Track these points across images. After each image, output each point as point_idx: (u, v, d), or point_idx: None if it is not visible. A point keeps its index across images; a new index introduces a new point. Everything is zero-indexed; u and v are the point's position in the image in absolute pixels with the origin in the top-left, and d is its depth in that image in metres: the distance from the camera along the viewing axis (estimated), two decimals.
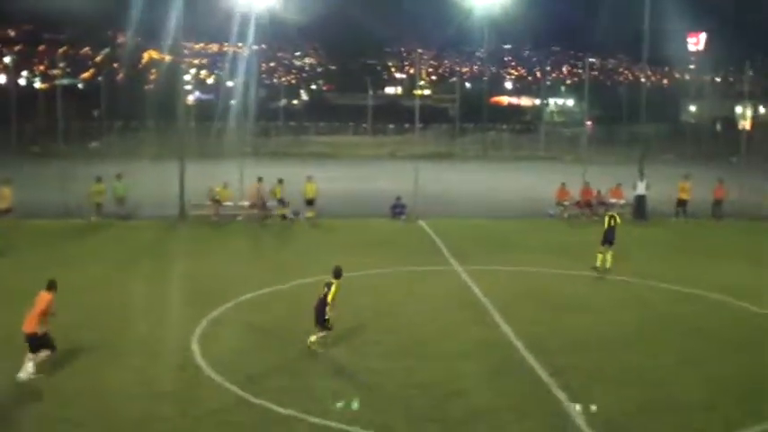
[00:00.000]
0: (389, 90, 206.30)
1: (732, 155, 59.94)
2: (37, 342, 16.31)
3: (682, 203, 39.89)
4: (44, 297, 16.70)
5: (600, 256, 26.84)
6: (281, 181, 37.22)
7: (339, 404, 15.38)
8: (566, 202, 39.89)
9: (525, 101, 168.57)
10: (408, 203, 38.14)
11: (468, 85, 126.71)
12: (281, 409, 14.99)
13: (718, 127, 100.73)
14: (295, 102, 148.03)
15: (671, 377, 17.18)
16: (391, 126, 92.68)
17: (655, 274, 26.51)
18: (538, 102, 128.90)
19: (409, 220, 37.22)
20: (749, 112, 68.90)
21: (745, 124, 62.32)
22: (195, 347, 18.43)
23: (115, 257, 28.00)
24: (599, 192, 40.19)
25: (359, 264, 27.45)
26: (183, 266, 27.18)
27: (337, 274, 18.51)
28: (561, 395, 15.92)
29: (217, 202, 36.89)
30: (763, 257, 30.36)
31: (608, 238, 26.77)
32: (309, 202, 37.64)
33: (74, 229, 33.52)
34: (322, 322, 18.22)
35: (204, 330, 19.81)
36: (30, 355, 16.27)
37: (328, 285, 18.30)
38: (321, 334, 18.33)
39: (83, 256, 27.98)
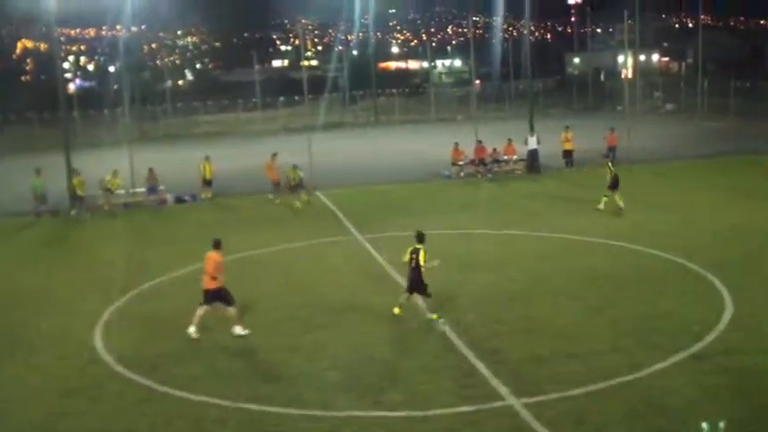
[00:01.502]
0: (277, 63, 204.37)
1: (617, 104, 61.63)
2: (216, 296, 17.52)
3: (567, 154, 40.88)
4: (212, 257, 17.70)
5: (604, 199, 28.94)
6: (295, 167, 36.30)
7: (249, 385, 15.24)
8: (460, 162, 40.36)
9: (413, 64, 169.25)
10: (304, 176, 37.93)
11: (354, 52, 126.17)
12: (191, 396, 14.79)
13: (602, 77, 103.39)
14: (181, 82, 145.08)
15: (575, 325, 17.63)
16: (281, 99, 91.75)
17: (552, 226, 27.10)
18: (425, 64, 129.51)
19: (307, 191, 37.04)
20: (630, 61, 70.78)
21: (627, 73, 64.09)
22: (99, 341, 18.00)
23: (9, 254, 27.09)
24: (494, 149, 40.76)
25: (263, 240, 27.38)
26: (79, 259, 26.54)
27: (420, 238, 18.25)
28: (468, 352, 16.17)
29: (108, 191, 35.96)
30: (657, 201, 31.34)
31: (616, 184, 28.80)
32: (207, 183, 37.13)
33: None
34: (422, 290, 18.05)
35: (107, 322, 19.36)
36: (230, 309, 17.66)
37: (415, 252, 17.94)
38: (425, 301, 18.42)
39: None
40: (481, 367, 15.36)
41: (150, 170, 36.57)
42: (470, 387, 14.57)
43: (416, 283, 18.01)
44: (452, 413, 13.56)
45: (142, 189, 36.72)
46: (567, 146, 40.86)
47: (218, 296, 17.68)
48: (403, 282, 20.07)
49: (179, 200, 36.86)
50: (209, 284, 17.65)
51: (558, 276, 21.46)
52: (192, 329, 17.73)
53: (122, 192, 36.63)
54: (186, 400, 14.71)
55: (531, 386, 14.41)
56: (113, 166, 37.01)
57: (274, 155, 36.89)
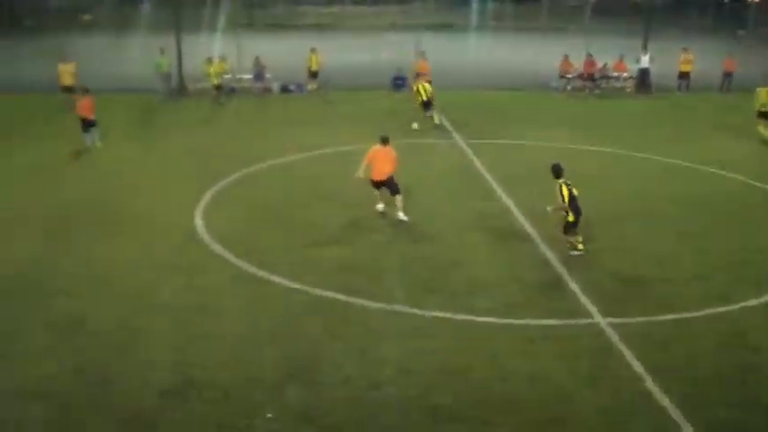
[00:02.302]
0: None
1: (740, 28, 58.90)
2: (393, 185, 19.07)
3: (683, 76, 39.48)
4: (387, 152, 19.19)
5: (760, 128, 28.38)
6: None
7: (341, 276, 15.58)
8: (569, 75, 39.48)
9: None
10: (409, 75, 37.73)
11: None
12: (283, 281, 15.23)
13: None
14: None
15: (669, 250, 17.36)
16: None
17: (656, 149, 26.47)
18: None
19: (410, 92, 36.85)
20: None
21: None
22: (199, 221, 18.58)
23: (114, 131, 27.80)
24: (604, 64, 39.69)
25: (361, 136, 27.37)
26: (183, 140, 27.10)
27: (557, 172, 16.67)
28: (561, 267, 16.15)
29: (215, 75, 36.38)
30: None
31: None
32: (313, 75, 37.31)
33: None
34: (563, 230, 16.78)
35: (208, 204, 19.92)
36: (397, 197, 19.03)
37: (560, 188, 16.37)
38: (570, 240, 16.82)
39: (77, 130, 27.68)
40: (571, 283, 15.36)
41: (257, 58, 36.84)
42: (559, 301, 14.63)
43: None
44: (538, 325, 13.66)
45: (249, 76, 37.10)
46: (686, 67, 39.43)
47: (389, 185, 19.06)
48: (499, 187, 20.12)
49: (284, 89, 37.18)
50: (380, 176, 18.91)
51: (656, 200, 21.07)
52: (400, 214, 18.89)
53: (229, 77, 37.05)
54: (278, 284, 15.16)
55: (619, 307, 14.36)
56: (221, 51, 37.36)
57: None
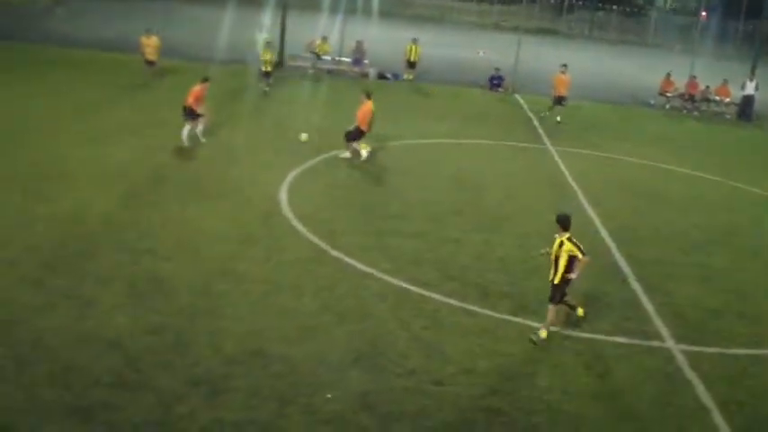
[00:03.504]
0: None
1: None
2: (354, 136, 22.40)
3: None
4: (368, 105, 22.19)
5: None
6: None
7: (416, 268, 15.67)
8: (669, 93, 38.76)
9: None
10: (507, 76, 37.53)
11: None
12: (358, 265, 15.40)
13: None
14: None
15: (753, 285, 16.99)
16: None
17: (750, 179, 25.85)
18: None
19: (506, 93, 36.72)
20: None
21: None
22: (283, 197, 18.90)
23: (211, 102, 28.28)
24: (707, 87, 38.87)
25: (451, 132, 27.49)
26: (278, 116, 27.49)
27: (564, 224, 13.28)
28: (637, 285, 15.96)
29: (315, 55, 36.88)
30: None
31: None
32: (411, 65, 37.42)
33: (172, 68, 33.84)
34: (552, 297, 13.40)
35: (294, 181, 20.24)
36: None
37: (561, 245, 13.16)
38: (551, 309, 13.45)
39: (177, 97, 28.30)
40: (646, 303, 15.17)
41: (358, 42, 37.16)
42: (631, 320, 14.47)
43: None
44: (607, 341, 13.55)
45: (347, 59, 37.42)
46: None
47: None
48: (584, 199, 20.00)
49: (381, 76, 37.40)
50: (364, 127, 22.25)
51: (745, 231, 20.62)
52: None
53: (329, 58, 37.44)
54: (353, 267, 15.35)
55: (694, 334, 14.13)
56: (323, 32, 37.77)
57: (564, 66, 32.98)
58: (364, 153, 22.48)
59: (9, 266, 13.90)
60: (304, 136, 23.37)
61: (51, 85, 28.64)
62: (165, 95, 27.26)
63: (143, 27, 32.39)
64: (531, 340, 13.17)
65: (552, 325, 13.40)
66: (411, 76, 37.34)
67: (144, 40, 31.31)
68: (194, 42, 39.32)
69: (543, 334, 13.22)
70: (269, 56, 31.91)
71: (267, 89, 31.18)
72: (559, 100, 31.04)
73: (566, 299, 13.62)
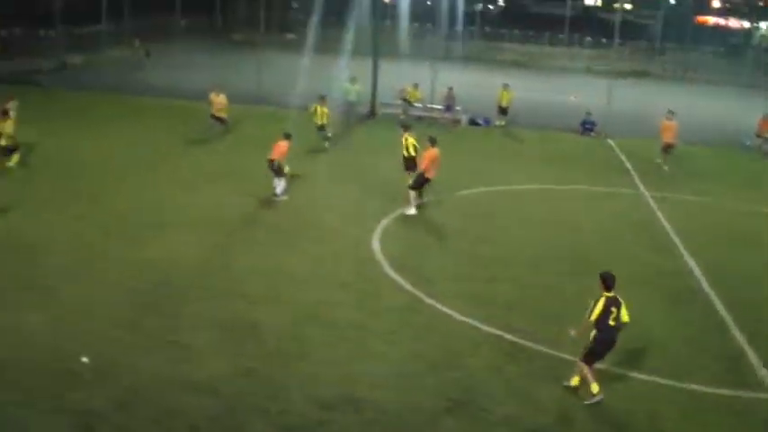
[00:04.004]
0: (588, 1, 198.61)
1: None
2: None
3: None
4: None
5: None
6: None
7: (509, 314, 15.49)
8: (766, 135, 37.65)
9: (733, 22, 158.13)
10: (599, 120, 37.12)
11: (672, 1, 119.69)
12: (453, 314, 15.31)
13: None
14: (491, 7, 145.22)
15: None
16: (588, 39, 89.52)
17: None
18: (747, 24, 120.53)
19: (598, 137, 36.29)
20: None
21: None
22: (376, 243, 18.99)
23: (305, 147, 28.70)
24: None
25: (543, 177, 27.25)
26: (369, 162, 27.71)
27: (607, 283, 12.78)
28: (738, 333, 15.42)
29: (406, 102, 37.18)
30: None
31: None
32: (503, 111, 37.33)
33: (263, 115, 34.55)
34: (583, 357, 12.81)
35: (387, 227, 20.34)
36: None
37: (613, 304, 12.63)
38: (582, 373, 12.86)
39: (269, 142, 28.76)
40: (750, 353, 14.64)
41: (450, 89, 37.28)
42: (734, 371, 13.97)
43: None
44: (708, 392, 13.11)
45: (439, 106, 37.60)
46: None
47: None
48: (680, 244, 19.51)
49: (472, 122, 37.43)
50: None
51: None
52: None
53: (420, 105, 37.69)
54: (447, 314, 15.28)
55: None
56: (414, 79, 38.07)
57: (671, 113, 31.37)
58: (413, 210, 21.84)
59: (108, 310, 14.30)
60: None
61: (147, 133, 29.58)
62: (254, 142, 27.68)
63: (234, 76, 33.18)
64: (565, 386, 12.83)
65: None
66: (503, 122, 37.25)
67: (213, 97, 30.40)
68: (284, 90, 40.05)
69: (594, 389, 12.45)
70: (322, 110, 29.37)
71: (327, 144, 29.67)
72: (667, 147, 30.25)
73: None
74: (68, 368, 12.25)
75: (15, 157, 23.70)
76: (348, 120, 34.81)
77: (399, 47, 66.26)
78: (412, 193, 21.74)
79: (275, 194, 22.14)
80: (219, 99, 30.38)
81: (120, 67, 46.09)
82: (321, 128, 29.58)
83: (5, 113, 23.75)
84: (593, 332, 12.48)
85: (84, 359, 12.44)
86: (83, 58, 50.84)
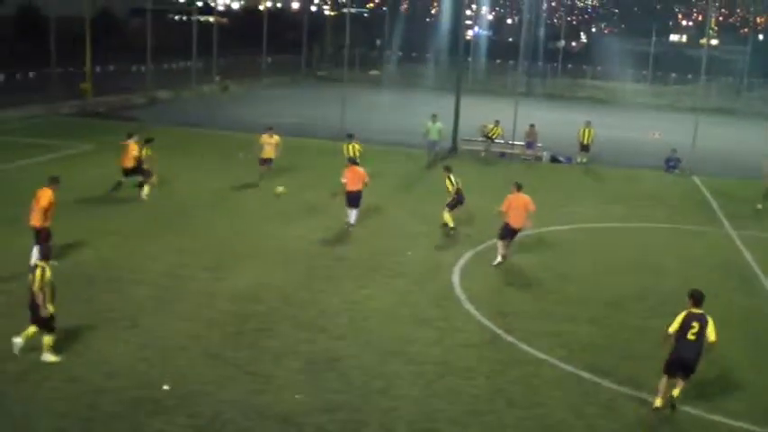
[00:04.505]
0: (674, 37, 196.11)
1: None
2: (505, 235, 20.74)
3: None
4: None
5: None
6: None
7: (590, 354, 15.33)
8: None
9: None
10: (684, 158, 36.56)
11: (761, 37, 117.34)
12: (530, 350, 15.24)
13: None
14: (574, 44, 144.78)
15: None
16: (673, 75, 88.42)
17: None
18: None
19: (683, 174, 35.73)
20: None
21: None
22: (456, 279, 19.04)
23: (385, 183, 28.97)
24: None
25: (626, 215, 26.97)
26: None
27: (696, 300, 13.31)
28: None
29: (488, 138, 37.26)
30: None
31: None
32: (584, 148, 37.06)
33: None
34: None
35: (467, 263, 20.37)
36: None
37: (699, 320, 13.09)
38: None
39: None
40: None
41: (531, 126, 37.25)
42: None
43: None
44: None
45: (520, 143, 37.57)
46: None
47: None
48: None
49: (554, 159, 37.28)
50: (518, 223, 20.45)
51: None
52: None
53: (501, 141, 37.73)
54: (526, 353, 15.22)
55: None
56: (496, 116, 38.16)
57: None
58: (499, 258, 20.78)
59: (193, 340, 14.65)
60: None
61: (232, 166, 30.19)
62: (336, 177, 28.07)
63: (318, 112, 33.62)
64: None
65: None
66: (585, 159, 36.97)
67: (266, 138, 28.37)
68: (367, 125, 40.60)
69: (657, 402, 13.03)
70: (354, 147, 28.25)
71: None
72: None
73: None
74: (150, 396, 12.59)
75: (147, 189, 24.66)
76: (429, 158, 34.64)
77: (480, 83, 66.55)
78: (499, 243, 20.74)
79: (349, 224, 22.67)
80: (273, 140, 28.27)
81: (204, 101, 47.27)
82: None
83: (130, 136, 25.09)
84: (672, 344, 12.97)
85: (166, 387, 12.79)
86: (171, 93, 52.46)
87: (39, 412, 11.94)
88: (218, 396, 12.70)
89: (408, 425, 12.21)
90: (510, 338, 15.76)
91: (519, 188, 20.87)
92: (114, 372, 13.35)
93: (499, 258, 20.48)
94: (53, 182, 18.06)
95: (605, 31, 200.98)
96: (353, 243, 21.67)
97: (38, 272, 13.37)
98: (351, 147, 28.31)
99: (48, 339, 13.52)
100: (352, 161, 24.24)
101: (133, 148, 24.85)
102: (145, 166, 24.87)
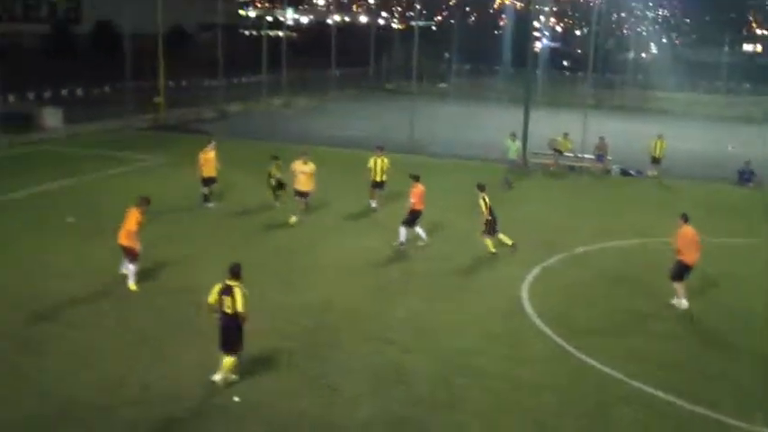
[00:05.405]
0: (747, 47, 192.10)
1: None
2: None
3: None
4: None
5: None
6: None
7: (663, 372, 15.06)
8: None
9: None
10: (759, 170, 35.73)
11: None
12: (602, 367, 15.03)
13: None
14: (644, 55, 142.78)
15: None
16: (747, 86, 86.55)
17: None
18: None
19: (757, 187, 34.92)
20: None
21: None
22: (524, 294, 18.90)
23: (453, 197, 28.90)
24: None
25: (699, 229, 26.34)
26: (519, 213, 27.63)
27: None
28: None
29: (557, 151, 36.96)
30: None
31: None
32: (656, 161, 36.45)
33: (413, 164, 34.95)
34: None
35: (535, 278, 20.20)
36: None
37: None
38: None
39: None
40: None
41: (601, 139, 36.82)
42: None
43: None
44: None
45: (590, 156, 37.15)
46: None
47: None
48: None
49: (624, 172, 36.76)
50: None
51: None
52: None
53: (570, 155, 37.37)
54: (596, 368, 15.01)
55: None
56: (565, 128, 37.83)
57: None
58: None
59: (264, 352, 14.75)
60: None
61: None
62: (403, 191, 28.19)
63: (381, 124, 33.53)
64: None
65: None
66: (656, 172, 36.35)
67: (299, 165, 24.68)
68: (435, 139, 40.65)
69: None
70: (382, 161, 26.41)
71: (374, 206, 26.66)
72: None
73: None
74: (220, 404, 12.78)
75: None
76: (507, 179, 32.39)
77: (548, 95, 66.08)
78: (677, 285, 18.68)
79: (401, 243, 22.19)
80: (307, 168, 24.65)
81: (273, 115, 47.79)
82: (378, 185, 26.45)
83: (276, 158, 25.81)
84: None
85: (236, 398, 12.94)
86: (241, 106, 53.24)
87: (119, 423, 12.15)
88: (286, 406, 12.83)
89: None
90: (580, 354, 15.56)
91: (686, 220, 18.97)
92: (186, 381, 13.56)
93: (684, 302, 18.47)
94: (142, 202, 18.09)
95: (676, 42, 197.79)
96: (421, 257, 21.63)
97: (237, 292, 13.20)
98: (379, 161, 26.30)
99: (230, 362, 13.44)
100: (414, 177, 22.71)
101: (210, 157, 25.50)
102: (281, 181, 25.53)
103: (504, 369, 14.82)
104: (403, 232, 22.12)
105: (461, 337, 16.18)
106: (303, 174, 24.43)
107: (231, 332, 13.26)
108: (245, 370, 14.00)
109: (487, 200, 21.76)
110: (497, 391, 13.89)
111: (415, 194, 22.32)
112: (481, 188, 22.08)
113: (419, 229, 22.49)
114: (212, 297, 13.39)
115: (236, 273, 13.47)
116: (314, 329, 16.11)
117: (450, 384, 14.00)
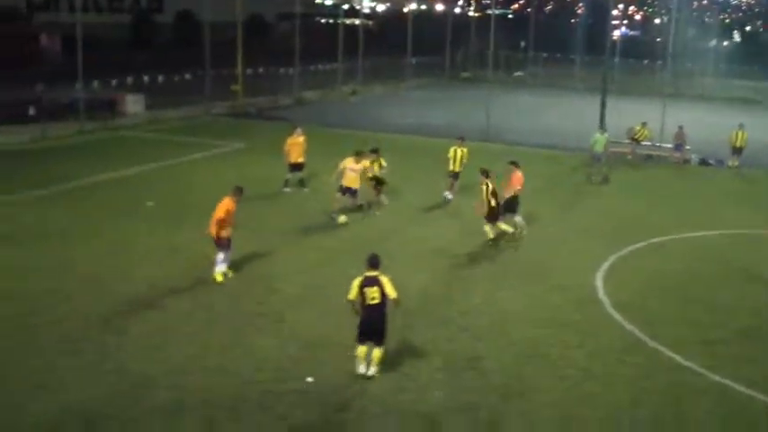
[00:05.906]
0: None
1: None
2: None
3: None
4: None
5: None
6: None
7: (744, 366, 14.80)
8: None
9: None
10: None
11: None
12: (677, 358, 14.86)
13: None
14: (726, 43, 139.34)
15: None
16: None
17: None
18: None
19: None
20: None
21: None
22: (599, 283, 18.76)
23: (529, 186, 28.68)
24: None
25: None
26: (594, 202, 27.41)
27: None
28: None
29: (635, 141, 36.44)
30: None
31: None
32: (737, 151, 35.65)
33: (489, 152, 34.86)
34: None
35: (610, 268, 20.02)
36: None
37: None
38: None
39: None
40: None
41: (680, 128, 36.15)
42: None
43: None
44: None
45: (668, 145, 36.53)
46: None
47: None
48: None
49: (703, 162, 36.07)
50: None
51: None
52: None
53: (648, 144, 36.82)
54: (671, 360, 14.83)
55: None
56: (643, 118, 37.26)
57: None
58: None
59: (336, 336, 14.85)
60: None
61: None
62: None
63: (458, 112, 33.39)
64: None
65: None
66: (736, 163, 35.56)
67: (349, 162, 23.12)
68: (510, 126, 40.46)
69: None
70: (462, 151, 26.06)
71: (449, 197, 26.24)
72: None
73: None
74: (293, 388, 13.00)
75: (343, 218, 22.95)
76: (595, 171, 31.56)
77: (627, 84, 65.06)
78: None
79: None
80: (358, 166, 23.25)
81: (348, 103, 48.06)
82: (455, 175, 26.21)
83: (375, 151, 24.72)
84: None
85: (310, 379, 13.17)
86: (317, 94, 53.72)
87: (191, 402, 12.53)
88: (358, 390, 12.99)
89: (548, 430, 12.16)
90: (654, 345, 15.41)
91: None
92: (261, 364, 13.84)
93: None
94: (236, 192, 18.15)
95: (761, 29, 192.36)
96: (495, 246, 21.53)
97: (384, 281, 13.44)
98: (459, 151, 26.06)
99: (380, 353, 13.62)
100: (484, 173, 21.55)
101: (299, 142, 25.92)
102: (377, 177, 24.48)
103: (576, 358, 14.74)
104: (516, 221, 22.06)
105: (534, 326, 16.15)
106: (353, 171, 23.10)
107: (377, 323, 13.47)
108: (317, 354, 14.21)
109: (491, 186, 21.14)
110: (569, 380, 13.82)
111: (518, 179, 22.26)
112: (485, 174, 21.33)
113: (519, 218, 22.31)
114: (353, 293, 13.52)
115: (374, 263, 13.69)
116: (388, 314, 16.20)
117: (522, 373, 13.99)
